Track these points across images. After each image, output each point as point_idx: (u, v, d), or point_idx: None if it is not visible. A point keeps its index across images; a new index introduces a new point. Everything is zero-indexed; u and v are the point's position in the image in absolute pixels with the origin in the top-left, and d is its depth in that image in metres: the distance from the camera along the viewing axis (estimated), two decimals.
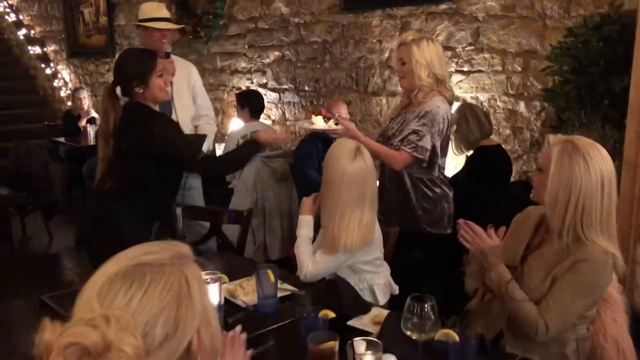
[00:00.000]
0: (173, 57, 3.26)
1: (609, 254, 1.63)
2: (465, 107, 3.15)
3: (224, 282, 1.99)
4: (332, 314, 1.66)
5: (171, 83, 3.12)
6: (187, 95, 3.33)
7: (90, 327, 0.78)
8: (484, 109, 3.41)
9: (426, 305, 1.49)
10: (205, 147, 2.86)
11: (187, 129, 3.24)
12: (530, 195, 1.80)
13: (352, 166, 2.03)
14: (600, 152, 1.63)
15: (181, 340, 0.87)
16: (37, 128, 6.84)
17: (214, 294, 1.72)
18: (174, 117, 3.20)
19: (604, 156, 1.62)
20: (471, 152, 3.14)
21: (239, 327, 1.45)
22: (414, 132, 2.50)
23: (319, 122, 2.59)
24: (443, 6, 3.54)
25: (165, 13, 3.28)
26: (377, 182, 2.79)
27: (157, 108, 2.51)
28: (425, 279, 2.31)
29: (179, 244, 0.97)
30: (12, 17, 8.12)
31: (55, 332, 0.78)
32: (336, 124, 2.60)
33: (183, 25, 3.84)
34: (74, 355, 0.77)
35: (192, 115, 3.35)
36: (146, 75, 2.37)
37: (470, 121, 3.01)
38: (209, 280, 1.72)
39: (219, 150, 4.56)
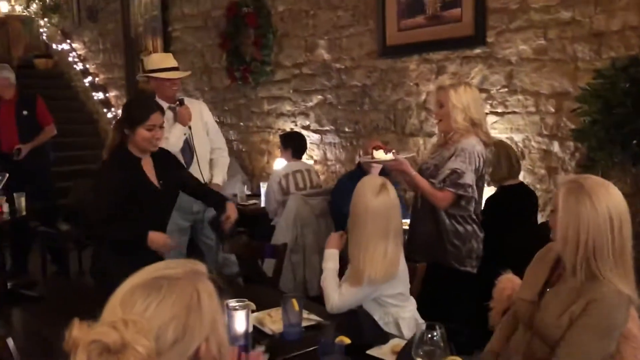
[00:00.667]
0: (186, 99, 3.52)
1: (623, 294, 1.61)
2: (501, 144, 3.15)
3: (252, 310, 2.10)
4: (347, 340, 1.73)
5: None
6: (203, 132, 3.58)
7: (111, 328, 0.90)
8: (519, 150, 3.44)
9: (435, 333, 1.54)
10: (221, 179, 3.08)
11: (205, 161, 3.56)
12: (550, 235, 1.83)
13: (377, 201, 2.10)
14: (608, 190, 1.63)
15: (189, 345, 0.98)
16: (96, 168, 7.27)
17: (241, 320, 1.81)
18: (194, 152, 3.44)
19: (612, 193, 1.62)
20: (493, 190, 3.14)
21: (261, 347, 1.55)
22: (454, 171, 2.56)
23: (380, 155, 2.72)
24: (477, 50, 3.63)
25: (173, 63, 3.52)
26: (409, 217, 2.88)
27: (142, 154, 2.63)
28: (451, 315, 2.33)
29: (196, 262, 1.09)
30: (79, 66, 8.78)
31: (82, 330, 0.91)
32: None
33: (190, 72, 4.12)
34: (96, 351, 0.88)
35: (209, 149, 3.62)
36: (135, 124, 2.57)
37: (502, 158, 3.02)
38: (237, 307, 1.84)
39: (263, 187, 4.69)
